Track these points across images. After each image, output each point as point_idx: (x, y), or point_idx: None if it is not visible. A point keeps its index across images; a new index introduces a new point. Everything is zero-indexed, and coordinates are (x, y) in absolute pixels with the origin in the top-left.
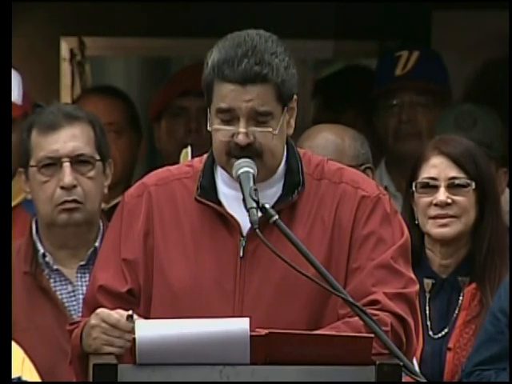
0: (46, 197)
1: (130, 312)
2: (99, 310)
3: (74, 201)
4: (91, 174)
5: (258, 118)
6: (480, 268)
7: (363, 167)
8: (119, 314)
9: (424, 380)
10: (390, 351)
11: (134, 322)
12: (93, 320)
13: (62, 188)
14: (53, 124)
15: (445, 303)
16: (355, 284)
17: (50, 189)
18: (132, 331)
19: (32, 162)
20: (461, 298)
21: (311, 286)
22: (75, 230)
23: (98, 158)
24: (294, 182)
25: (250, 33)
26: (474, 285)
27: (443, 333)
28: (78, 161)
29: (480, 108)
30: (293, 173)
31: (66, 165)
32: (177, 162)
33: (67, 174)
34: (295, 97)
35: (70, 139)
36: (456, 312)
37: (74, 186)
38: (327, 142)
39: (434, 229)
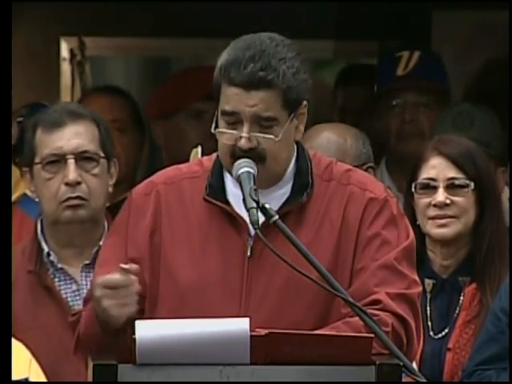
0: (51, 194)
1: (121, 265)
2: (96, 281)
3: (78, 197)
4: (96, 171)
5: (262, 123)
6: (480, 268)
7: (365, 167)
8: (113, 275)
9: (424, 380)
10: (390, 351)
11: (130, 272)
12: (96, 292)
13: (67, 184)
14: (57, 122)
15: (445, 303)
16: (358, 284)
17: (55, 186)
18: (133, 283)
19: (36, 160)
20: (461, 298)
21: (317, 286)
22: (80, 228)
23: (102, 155)
24: (303, 183)
25: (263, 36)
26: (474, 285)
27: (443, 333)
28: (82, 158)
29: (477, 107)
30: (302, 174)
31: (71, 161)
32: (181, 161)
33: (71, 171)
34: (305, 102)
35: (74, 136)
36: (456, 312)
37: (79, 183)
38: (329, 143)
39: (433, 229)
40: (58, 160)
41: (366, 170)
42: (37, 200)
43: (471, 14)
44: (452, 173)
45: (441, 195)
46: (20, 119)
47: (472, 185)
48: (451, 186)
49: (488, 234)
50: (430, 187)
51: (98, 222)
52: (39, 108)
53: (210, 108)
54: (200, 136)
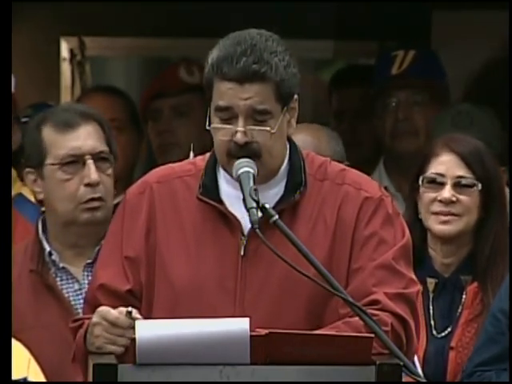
0: (69, 194)
1: (129, 308)
2: (100, 308)
3: (99, 198)
4: (109, 171)
5: (257, 116)
6: (482, 270)
7: None
8: (118, 311)
9: (424, 380)
10: (390, 351)
11: (133, 319)
12: (94, 318)
13: (87, 185)
14: (69, 122)
15: (448, 302)
16: (356, 284)
17: (73, 186)
18: (132, 328)
19: (50, 160)
20: (464, 296)
21: (312, 285)
22: (93, 229)
23: (112, 155)
24: (296, 181)
25: (252, 32)
26: (476, 283)
27: (446, 332)
28: (98, 158)
29: (477, 107)
30: (295, 173)
31: (90, 162)
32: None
33: (93, 172)
34: (296, 96)
35: (88, 137)
36: (459, 311)
37: (98, 184)
38: (304, 144)
39: (435, 225)
40: (75, 160)
41: None
42: (32, 200)
43: (471, 14)
44: (461, 171)
45: (447, 192)
46: (25, 119)
47: (479, 186)
48: (458, 184)
49: (492, 236)
50: (437, 182)
51: (108, 222)
52: (44, 108)
53: (162, 105)
54: (160, 133)
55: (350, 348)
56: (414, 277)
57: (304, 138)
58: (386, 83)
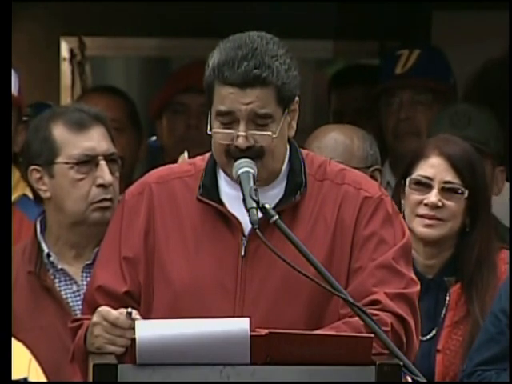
0: (81, 194)
1: (129, 309)
2: (100, 308)
3: (110, 199)
4: (117, 173)
5: (258, 120)
6: (467, 279)
7: (372, 169)
8: (118, 312)
9: (424, 380)
10: (390, 351)
11: (133, 319)
12: (94, 318)
13: (100, 186)
14: (82, 122)
15: (432, 304)
16: (356, 284)
17: (86, 187)
18: (131, 328)
19: (62, 159)
20: (447, 298)
21: (312, 285)
22: (99, 230)
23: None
24: (296, 182)
25: (252, 35)
26: (459, 284)
27: (431, 334)
28: (110, 160)
29: (474, 107)
30: (295, 173)
31: (103, 163)
32: (176, 159)
33: (107, 173)
34: (297, 98)
35: (101, 138)
36: (443, 312)
37: (110, 185)
38: (336, 143)
39: (418, 227)
40: (89, 161)
41: (372, 173)
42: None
43: (471, 14)
44: (449, 176)
45: (434, 196)
46: (25, 118)
47: (466, 193)
48: (445, 190)
49: (477, 245)
50: (424, 185)
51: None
52: (43, 108)
53: (190, 100)
54: (186, 129)
55: (350, 348)
56: (414, 276)
57: (336, 138)
58: (389, 82)
